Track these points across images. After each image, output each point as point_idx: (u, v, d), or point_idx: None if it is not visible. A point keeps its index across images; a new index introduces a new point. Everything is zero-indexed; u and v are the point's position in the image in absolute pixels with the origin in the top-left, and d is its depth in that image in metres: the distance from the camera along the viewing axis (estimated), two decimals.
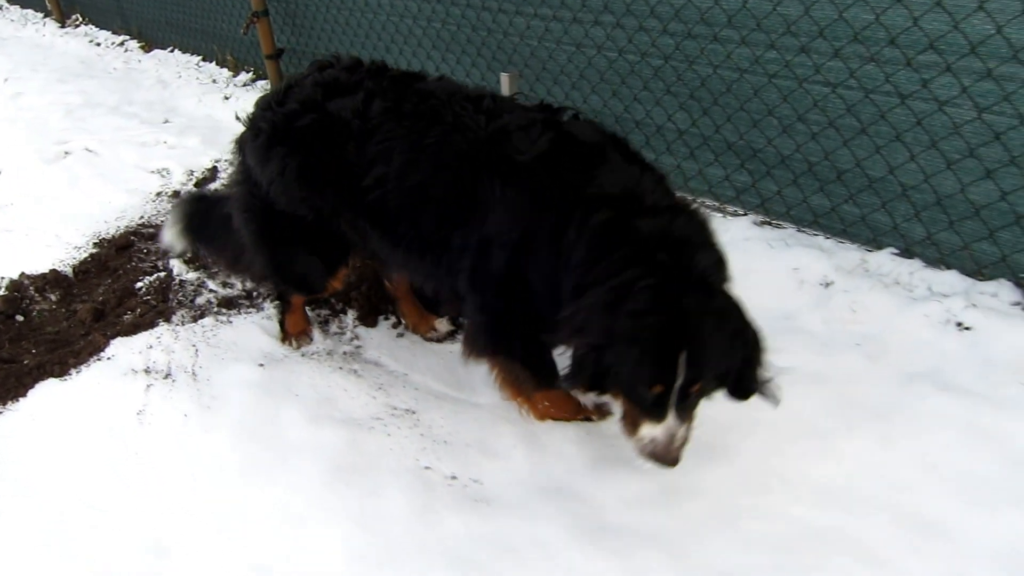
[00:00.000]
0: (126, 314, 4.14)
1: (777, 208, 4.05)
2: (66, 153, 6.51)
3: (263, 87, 7.44)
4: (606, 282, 2.35)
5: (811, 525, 2.67)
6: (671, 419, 2.35)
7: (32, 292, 4.44)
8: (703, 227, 2.55)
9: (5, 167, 6.31)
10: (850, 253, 3.75)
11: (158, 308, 4.13)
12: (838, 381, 3.17)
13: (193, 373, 3.55)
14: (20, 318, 4.25)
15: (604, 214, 2.44)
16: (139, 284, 4.36)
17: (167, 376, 3.55)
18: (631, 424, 2.49)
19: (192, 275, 4.38)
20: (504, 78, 4.67)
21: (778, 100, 3.77)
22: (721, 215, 4.26)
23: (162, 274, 4.42)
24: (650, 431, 2.39)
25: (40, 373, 3.70)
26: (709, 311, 2.29)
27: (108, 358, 3.71)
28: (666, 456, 2.39)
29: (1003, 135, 3.10)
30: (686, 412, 2.38)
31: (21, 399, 3.54)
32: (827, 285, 3.63)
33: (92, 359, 3.73)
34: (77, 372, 3.67)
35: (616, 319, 2.28)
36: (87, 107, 7.56)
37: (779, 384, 2.51)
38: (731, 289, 2.53)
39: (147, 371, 3.59)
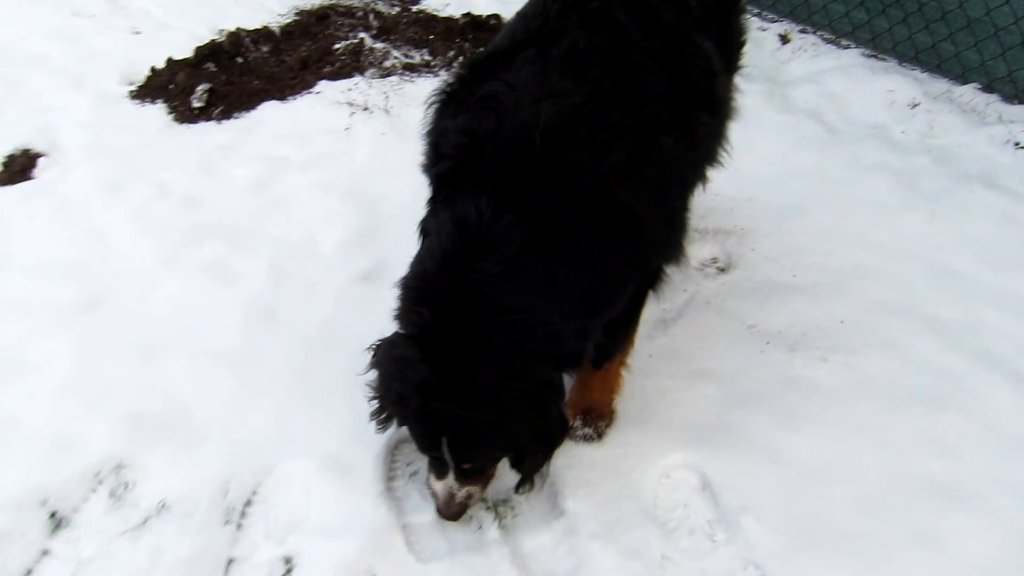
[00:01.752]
0: (326, 67, 5.07)
1: (885, 44, 4.67)
2: None
3: None
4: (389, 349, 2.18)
5: (858, 263, 3.46)
6: (451, 479, 2.27)
7: (248, 42, 5.41)
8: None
9: None
10: (939, 84, 4.41)
11: (353, 65, 5.05)
12: (905, 174, 3.89)
13: (386, 110, 4.50)
14: (240, 60, 5.24)
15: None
16: (336, 46, 5.28)
17: (365, 109, 4.50)
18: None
19: (380, 44, 5.27)
20: None
21: None
22: (836, 47, 4.90)
23: (355, 41, 5.32)
24: (434, 484, 2.34)
25: (264, 95, 4.70)
26: (477, 405, 2.03)
27: (317, 92, 4.69)
28: (444, 511, 2.34)
29: None
30: (469, 478, 2.29)
31: (252, 110, 4.57)
32: (914, 106, 4.29)
33: (304, 92, 4.71)
34: (293, 99, 4.66)
35: (389, 390, 2.17)
36: None
37: (546, 479, 2.44)
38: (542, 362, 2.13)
39: (349, 104, 4.55)
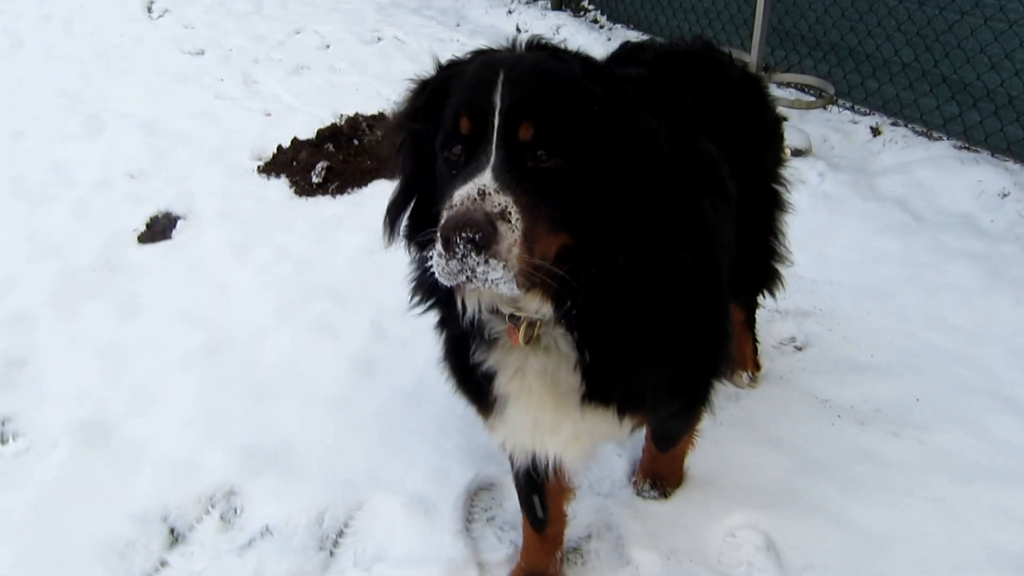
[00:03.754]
0: None
1: (976, 136, 4.76)
2: (379, 39, 8.10)
3: (542, 5, 8.73)
4: None
5: (938, 345, 3.50)
6: (487, 175, 1.52)
7: (364, 126, 5.92)
8: None
9: (333, 43, 7.99)
10: None
11: None
12: (991, 260, 3.94)
13: None
14: (356, 142, 5.74)
15: None
16: None
17: None
18: None
19: None
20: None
21: (990, 39, 4.48)
22: (927, 139, 5.01)
23: None
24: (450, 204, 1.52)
25: (375, 174, 5.15)
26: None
27: None
28: (458, 219, 1.46)
29: None
30: (518, 179, 1.55)
31: (364, 187, 5.02)
32: (1003, 196, 4.35)
33: None
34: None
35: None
36: (394, 6, 9.18)
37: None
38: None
39: None
